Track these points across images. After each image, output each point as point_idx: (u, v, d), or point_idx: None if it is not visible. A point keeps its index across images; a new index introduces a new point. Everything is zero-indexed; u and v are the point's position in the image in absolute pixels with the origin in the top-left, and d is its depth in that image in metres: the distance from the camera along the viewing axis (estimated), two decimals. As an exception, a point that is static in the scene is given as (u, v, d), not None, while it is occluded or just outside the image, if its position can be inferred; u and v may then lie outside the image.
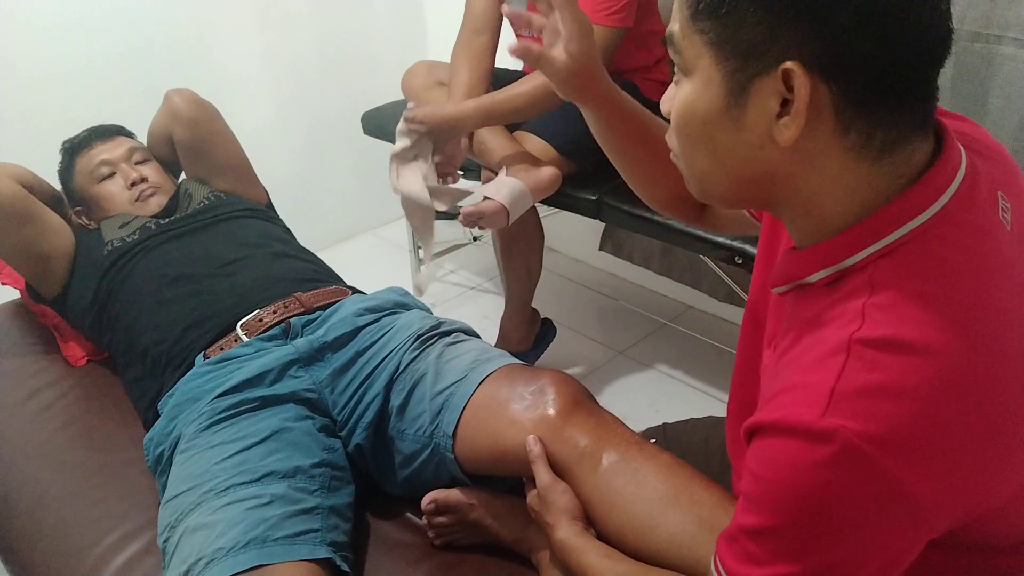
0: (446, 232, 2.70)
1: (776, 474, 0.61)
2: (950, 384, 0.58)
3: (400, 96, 2.47)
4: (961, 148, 0.67)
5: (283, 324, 1.31)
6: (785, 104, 0.61)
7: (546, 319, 2.19)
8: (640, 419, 1.21)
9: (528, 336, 2.14)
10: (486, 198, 1.75)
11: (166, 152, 1.71)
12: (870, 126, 0.61)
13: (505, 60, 1.85)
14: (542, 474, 1.00)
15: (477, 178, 1.97)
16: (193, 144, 1.66)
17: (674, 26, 0.67)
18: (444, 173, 1.83)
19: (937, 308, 0.60)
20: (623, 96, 0.95)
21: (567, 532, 0.95)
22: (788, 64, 0.59)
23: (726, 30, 0.62)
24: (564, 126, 1.76)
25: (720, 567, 0.67)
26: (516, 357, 1.24)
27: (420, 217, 1.82)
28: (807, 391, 0.60)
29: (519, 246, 2.01)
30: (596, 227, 2.53)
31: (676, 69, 0.68)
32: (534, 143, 1.82)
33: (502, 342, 2.13)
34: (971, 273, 0.63)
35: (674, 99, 0.69)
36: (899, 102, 0.61)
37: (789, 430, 0.60)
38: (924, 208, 0.63)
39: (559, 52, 0.90)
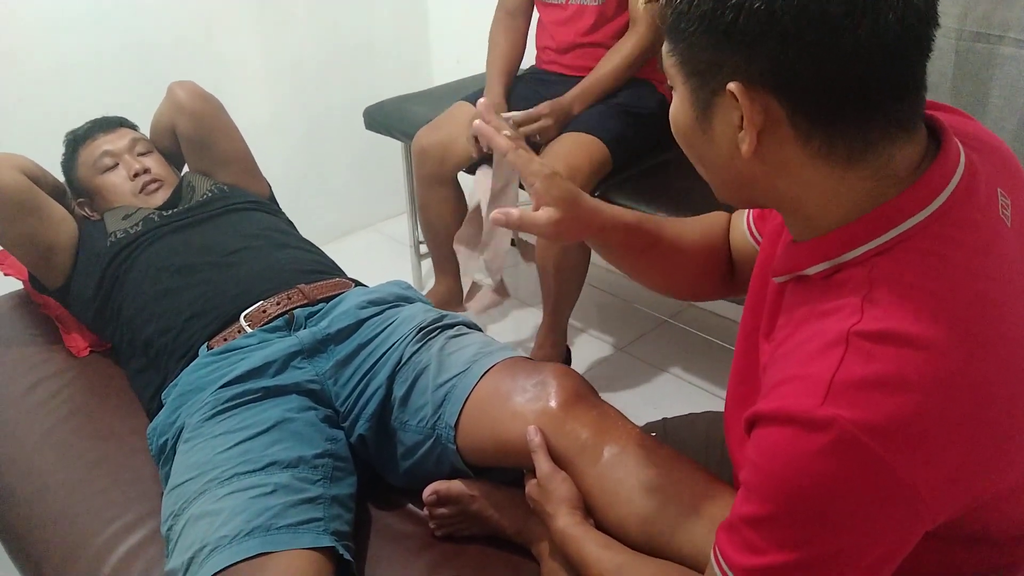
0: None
1: (774, 462, 0.62)
2: (946, 376, 0.59)
3: (400, 89, 2.48)
4: (959, 145, 0.67)
5: (287, 315, 1.31)
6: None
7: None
8: (639, 415, 1.21)
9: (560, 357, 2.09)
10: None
11: (169, 144, 1.72)
12: (830, 136, 0.63)
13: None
14: (542, 463, 1.01)
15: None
16: (197, 137, 1.66)
17: (665, 43, 0.70)
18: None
19: (934, 303, 0.61)
20: (617, 213, 0.93)
21: (566, 521, 0.95)
22: (731, 85, 0.62)
23: (685, 52, 0.65)
24: (613, 124, 1.87)
25: (720, 557, 0.68)
26: None
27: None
28: (806, 381, 0.61)
29: (570, 263, 1.97)
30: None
31: None
32: (584, 139, 1.85)
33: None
34: (969, 269, 0.64)
35: None
36: (857, 112, 0.62)
37: (787, 419, 0.61)
38: (922, 207, 0.64)
39: (541, 211, 0.86)
